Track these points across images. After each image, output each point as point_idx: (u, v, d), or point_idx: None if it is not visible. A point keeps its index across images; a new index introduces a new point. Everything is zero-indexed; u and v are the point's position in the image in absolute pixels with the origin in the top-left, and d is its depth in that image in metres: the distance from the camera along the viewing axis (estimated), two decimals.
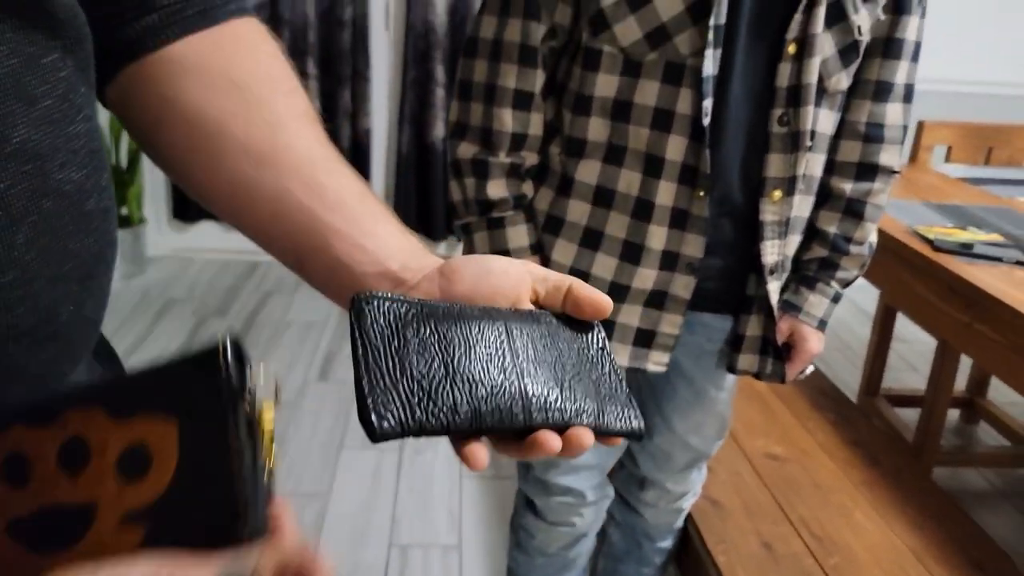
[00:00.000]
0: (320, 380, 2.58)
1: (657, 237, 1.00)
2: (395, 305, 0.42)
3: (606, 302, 0.46)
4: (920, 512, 1.42)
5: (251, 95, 0.50)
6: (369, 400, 0.38)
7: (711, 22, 0.90)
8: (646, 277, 1.02)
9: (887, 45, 1.02)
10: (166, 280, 3.24)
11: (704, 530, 1.36)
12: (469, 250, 1.07)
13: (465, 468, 2.14)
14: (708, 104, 0.93)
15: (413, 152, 3.33)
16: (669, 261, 1.01)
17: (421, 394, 0.39)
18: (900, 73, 1.03)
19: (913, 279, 1.65)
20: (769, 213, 1.01)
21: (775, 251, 1.03)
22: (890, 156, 1.08)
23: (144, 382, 0.34)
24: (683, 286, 1.02)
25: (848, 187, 1.08)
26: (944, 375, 2.04)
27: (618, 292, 1.02)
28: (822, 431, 1.63)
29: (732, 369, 1.11)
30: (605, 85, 0.97)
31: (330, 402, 2.45)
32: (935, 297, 1.59)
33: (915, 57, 1.05)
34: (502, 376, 0.41)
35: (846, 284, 1.13)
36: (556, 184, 1.04)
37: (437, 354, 0.41)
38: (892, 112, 1.05)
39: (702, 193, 0.97)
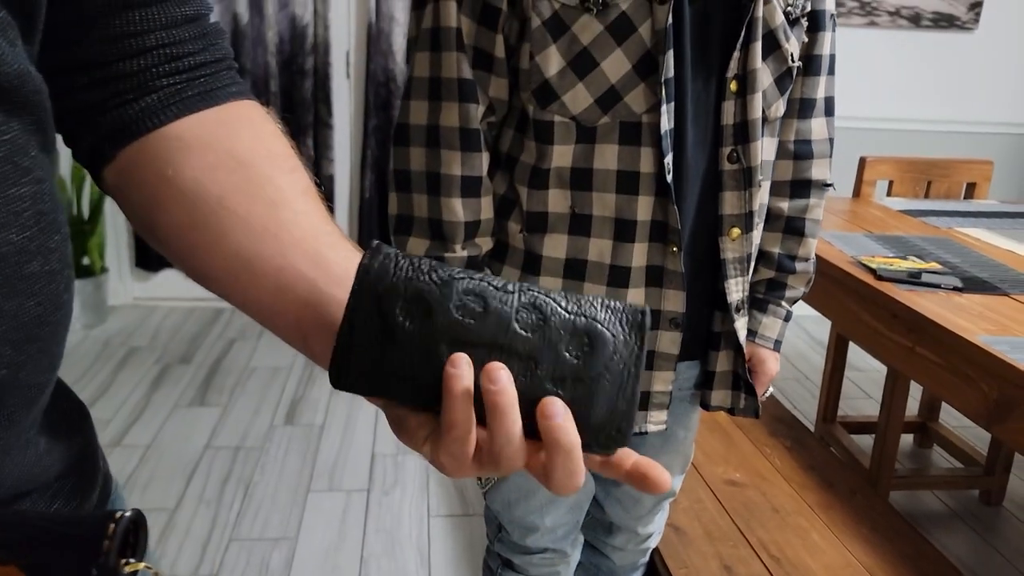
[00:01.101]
0: (286, 424, 2.58)
1: (635, 299, 0.98)
2: (410, 265, 0.42)
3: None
4: (874, 532, 1.47)
5: (254, 172, 0.49)
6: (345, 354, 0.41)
7: (661, 77, 0.89)
8: None
9: (806, 63, 1.04)
10: (128, 328, 3.22)
11: (667, 556, 1.39)
12: None
13: (434, 506, 2.16)
14: (670, 160, 0.92)
15: (375, 197, 3.38)
16: (652, 321, 1.01)
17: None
18: (820, 88, 1.06)
19: (858, 307, 1.72)
20: (730, 251, 1.01)
21: (739, 288, 1.03)
22: (821, 170, 1.10)
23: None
24: (670, 342, 1.01)
25: (785, 205, 1.10)
26: (895, 401, 2.11)
27: None
28: (779, 456, 1.69)
29: (706, 406, 1.12)
30: (561, 155, 0.94)
31: (296, 446, 2.45)
32: (880, 324, 1.66)
33: (831, 70, 1.07)
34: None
35: (794, 302, 1.16)
36: (521, 263, 1.01)
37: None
38: (817, 127, 1.08)
39: (675, 248, 0.96)
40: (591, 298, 0.43)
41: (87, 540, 0.36)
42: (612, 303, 0.43)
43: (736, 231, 1.00)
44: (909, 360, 1.59)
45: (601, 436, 0.41)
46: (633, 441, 1.16)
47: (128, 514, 0.37)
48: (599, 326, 0.41)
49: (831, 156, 1.11)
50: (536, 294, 0.42)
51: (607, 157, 0.93)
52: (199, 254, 0.50)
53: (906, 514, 2.27)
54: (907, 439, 2.63)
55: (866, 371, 3.18)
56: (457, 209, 0.96)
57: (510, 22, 0.91)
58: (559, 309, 0.41)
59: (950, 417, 2.79)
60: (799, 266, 1.12)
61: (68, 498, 0.53)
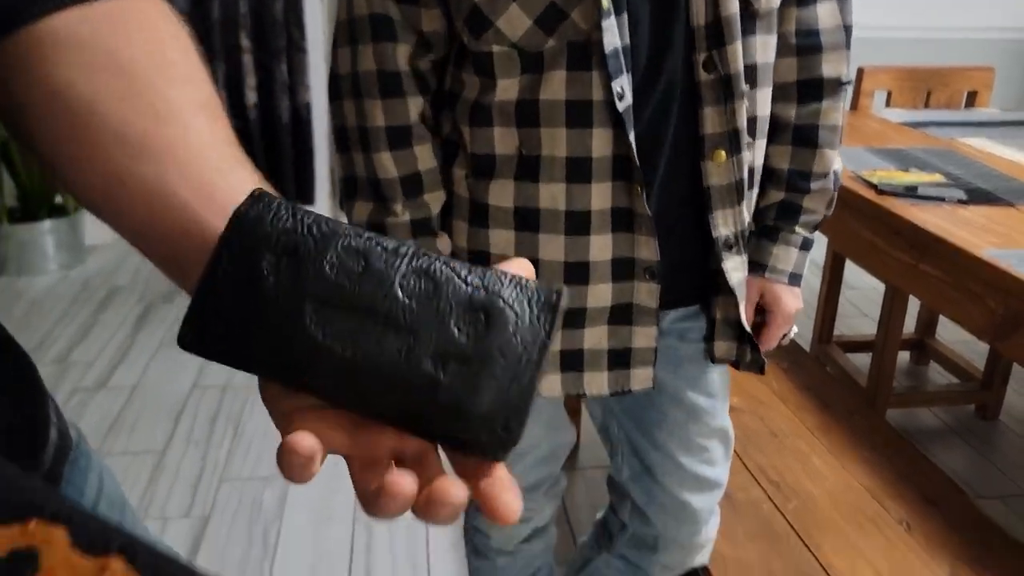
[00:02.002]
0: None
1: (601, 247, 0.87)
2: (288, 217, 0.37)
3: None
4: (874, 452, 1.44)
5: (137, 79, 0.42)
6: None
7: None
8: (601, 293, 0.89)
9: None
10: (108, 269, 3.14)
11: None
12: None
13: None
14: (621, 84, 0.79)
15: None
16: (623, 270, 0.88)
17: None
18: None
19: (859, 224, 1.66)
20: (714, 178, 0.87)
21: (728, 222, 0.89)
22: (833, 65, 0.93)
23: None
24: (647, 294, 0.89)
25: (792, 112, 0.95)
26: (893, 319, 2.07)
27: (574, 318, 0.89)
28: (776, 379, 1.65)
29: (712, 359, 0.99)
30: (505, 89, 0.82)
31: None
32: (881, 241, 1.60)
33: None
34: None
35: (814, 227, 1.01)
36: (467, 213, 0.90)
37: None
38: (825, 13, 0.91)
39: (640, 188, 0.84)
40: (501, 273, 0.36)
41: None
42: (524, 281, 0.36)
43: (720, 154, 0.86)
44: (912, 277, 1.54)
45: (483, 432, 0.35)
46: (650, 417, 1.03)
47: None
48: (500, 302, 0.35)
49: (848, 46, 0.93)
50: (432, 260, 0.36)
51: (554, 86, 0.81)
52: (72, 169, 0.43)
53: (903, 431, 2.26)
54: (903, 356, 2.61)
55: (862, 289, 3.14)
56: (387, 165, 0.86)
57: None
58: (455, 279, 0.36)
59: (947, 333, 2.77)
60: (814, 184, 0.97)
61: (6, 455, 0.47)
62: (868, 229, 1.64)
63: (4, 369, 0.50)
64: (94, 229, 3.29)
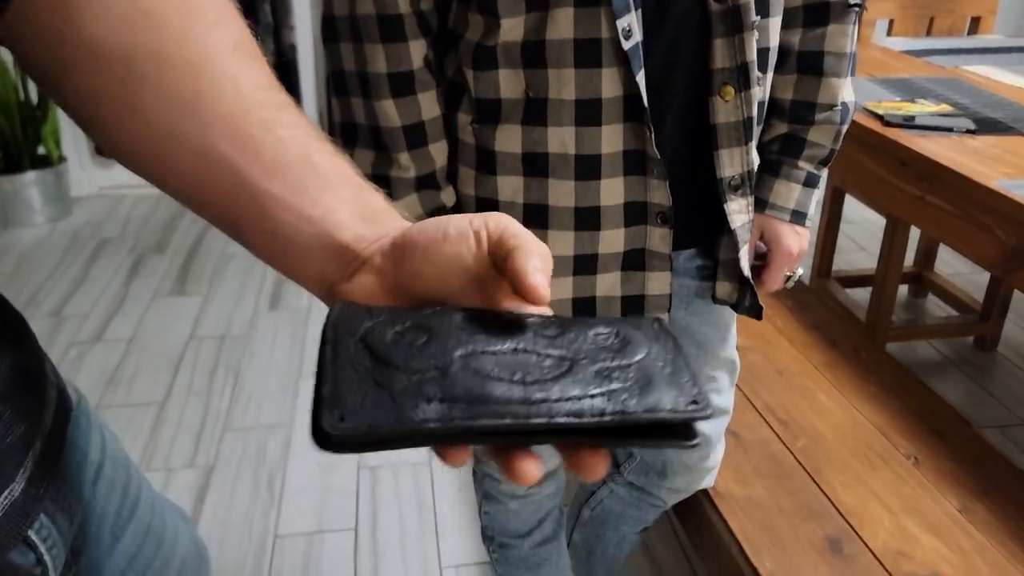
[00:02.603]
0: (271, 309, 2.51)
1: (613, 191, 0.84)
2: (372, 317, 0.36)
3: (541, 294, 0.36)
4: (880, 388, 1.44)
5: (166, 27, 0.40)
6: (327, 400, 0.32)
7: None
8: (613, 239, 0.86)
9: None
10: (96, 220, 3.09)
11: None
12: None
13: None
14: (628, 21, 0.76)
15: None
16: (636, 215, 0.85)
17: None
18: None
19: (864, 156, 1.63)
20: (721, 115, 0.83)
21: (735, 162, 0.86)
22: None
23: None
24: (660, 239, 0.86)
25: (796, 38, 0.91)
26: (894, 252, 2.05)
27: (586, 264, 0.87)
28: (780, 317, 1.64)
29: (713, 299, 0.98)
30: (510, 29, 0.78)
31: (283, 331, 2.39)
32: (887, 173, 1.57)
33: None
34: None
35: (821, 162, 0.97)
36: (474, 160, 0.87)
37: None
38: None
39: (649, 130, 0.80)
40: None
41: None
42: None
43: (729, 90, 0.82)
44: (918, 209, 1.51)
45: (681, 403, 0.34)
46: None
47: None
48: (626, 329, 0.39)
49: None
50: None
51: (562, 25, 0.77)
52: (110, 129, 0.40)
53: (903, 365, 2.26)
54: (902, 290, 2.60)
55: (859, 223, 3.12)
56: (390, 113, 0.82)
57: None
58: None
59: (945, 266, 2.76)
60: (819, 115, 0.93)
61: (10, 424, 0.45)
62: (874, 161, 1.61)
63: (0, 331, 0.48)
64: (80, 179, 3.23)
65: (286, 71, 3.18)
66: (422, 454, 1.90)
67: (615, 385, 0.34)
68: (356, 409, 0.31)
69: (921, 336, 2.33)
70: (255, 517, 1.71)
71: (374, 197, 0.42)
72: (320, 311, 2.47)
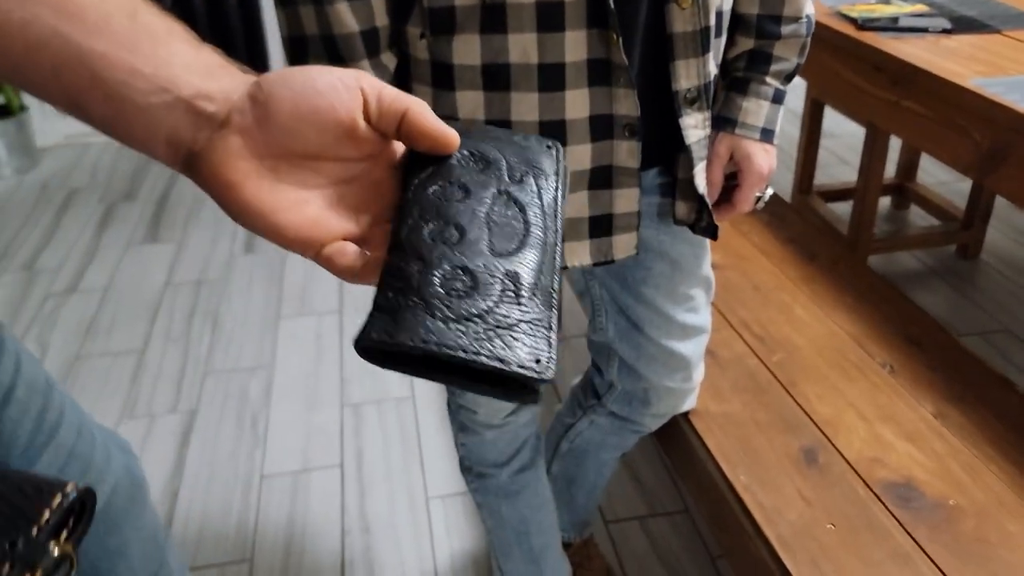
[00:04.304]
0: (246, 253, 2.47)
1: (578, 104, 0.80)
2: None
3: (450, 136, 0.40)
4: (857, 299, 1.42)
5: None
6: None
7: None
8: (580, 155, 0.83)
9: None
10: (64, 170, 3.02)
11: None
12: None
13: None
14: None
15: None
16: (602, 128, 0.82)
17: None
18: None
19: (839, 64, 1.59)
20: (678, 23, 0.80)
21: (692, 73, 0.83)
22: None
23: None
24: (628, 153, 0.84)
25: None
26: (873, 163, 2.02)
27: None
28: (757, 233, 1.61)
29: (674, 219, 0.95)
30: None
31: (259, 274, 2.36)
32: (862, 79, 1.53)
33: None
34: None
35: (786, 77, 0.95)
36: (429, 76, 0.82)
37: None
38: None
39: (616, 35, 0.77)
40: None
41: (22, 506, 0.33)
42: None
43: None
44: (894, 115, 1.48)
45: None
46: (635, 275, 0.99)
47: (75, 493, 0.35)
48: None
49: None
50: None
51: None
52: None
53: (886, 277, 2.25)
54: (884, 202, 2.58)
55: (841, 136, 3.08)
56: (346, 18, 0.77)
57: None
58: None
59: (927, 176, 2.73)
60: (785, 29, 0.91)
61: None
62: (848, 68, 1.56)
63: None
64: (44, 129, 3.14)
65: (251, 23, 3.07)
66: (405, 390, 1.90)
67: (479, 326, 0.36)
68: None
69: (903, 247, 2.32)
70: (240, 458, 1.72)
71: (210, 53, 0.40)
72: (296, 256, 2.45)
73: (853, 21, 1.55)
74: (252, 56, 3.17)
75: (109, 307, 2.21)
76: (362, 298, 2.25)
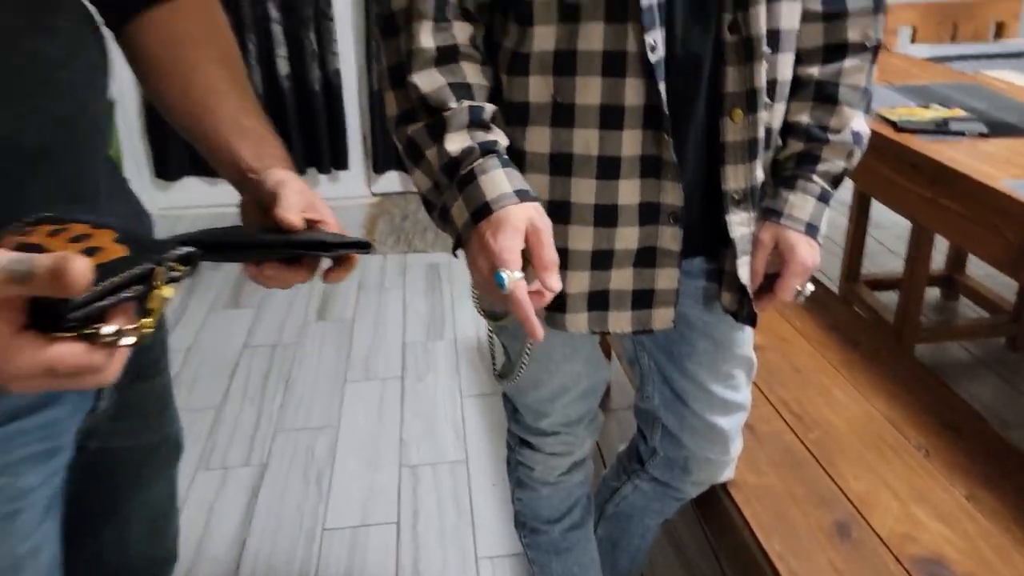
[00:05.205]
0: (319, 320, 2.64)
1: (630, 192, 0.91)
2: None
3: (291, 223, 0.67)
4: (896, 384, 1.49)
5: (197, 68, 0.75)
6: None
7: None
8: (628, 236, 0.94)
9: None
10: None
11: None
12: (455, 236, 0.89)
13: (465, 387, 2.23)
14: (654, 37, 0.84)
15: None
16: (649, 214, 0.92)
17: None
18: None
19: (878, 162, 1.69)
20: (730, 134, 0.91)
21: (740, 176, 0.93)
22: (859, 29, 0.96)
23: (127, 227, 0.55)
24: (671, 238, 0.94)
25: (815, 71, 0.98)
26: (920, 253, 2.10)
27: (603, 259, 0.95)
28: (800, 319, 1.70)
29: (722, 308, 1.04)
30: (543, 38, 0.86)
31: (330, 339, 2.52)
32: (900, 177, 1.63)
33: None
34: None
35: (834, 180, 1.01)
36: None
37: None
38: None
39: (667, 136, 0.87)
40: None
41: (161, 241, 0.55)
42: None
43: (738, 112, 0.90)
44: (931, 212, 1.57)
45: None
46: (680, 349, 1.11)
47: (187, 250, 0.54)
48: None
49: (879, 10, 0.96)
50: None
51: (592, 37, 0.85)
52: (169, 109, 0.76)
53: (931, 366, 2.29)
54: (933, 293, 2.63)
55: (889, 228, 3.14)
56: (436, 79, 0.87)
57: None
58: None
59: (977, 268, 2.78)
60: (832, 136, 0.99)
61: None
62: (887, 166, 1.67)
63: None
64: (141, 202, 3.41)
65: (331, 95, 3.33)
66: (460, 453, 2.01)
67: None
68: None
69: (950, 337, 2.36)
70: (305, 512, 1.83)
71: (272, 147, 0.74)
72: (361, 321, 2.60)
73: (892, 124, 1.66)
74: (333, 148, 3.42)
75: (192, 365, 2.39)
76: (424, 366, 2.38)
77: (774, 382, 1.49)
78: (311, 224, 0.68)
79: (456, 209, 0.86)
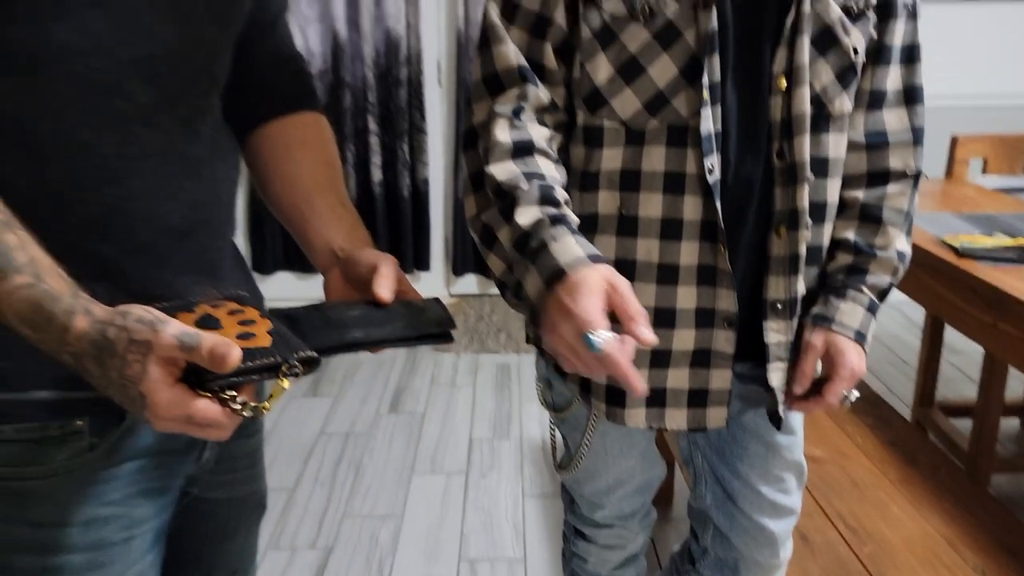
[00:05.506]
0: (391, 412, 2.75)
1: (687, 298, 0.99)
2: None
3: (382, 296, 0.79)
4: (956, 506, 1.48)
5: (301, 179, 0.90)
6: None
7: (704, 81, 0.91)
8: (685, 338, 1.01)
9: (876, 52, 1.01)
10: None
11: None
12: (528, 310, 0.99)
13: (527, 487, 2.28)
14: (712, 161, 0.93)
15: None
16: (705, 319, 0.99)
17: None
18: (891, 79, 1.02)
19: (941, 286, 1.73)
20: (775, 248, 0.99)
21: (780, 288, 1.01)
22: (900, 159, 1.04)
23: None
24: (724, 341, 1.00)
25: (860, 194, 1.05)
26: (994, 379, 2.08)
27: (661, 359, 1.01)
28: (861, 435, 1.72)
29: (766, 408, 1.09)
30: (611, 158, 0.97)
31: (400, 432, 2.62)
32: (961, 301, 1.67)
33: (910, 59, 1.03)
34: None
35: (880, 293, 1.07)
36: None
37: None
38: (892, 117, 1.03)
39: (723, 248, 0.96)
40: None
41: (297, 341, 0.66)
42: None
43: (782, 228, 0.98)
44: (991, 336, 1.60)
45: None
46: (732, 450, 1.16)
47: (311, 354, 0.65)
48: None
49: (919, 143, 1.04)
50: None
51: (655, 159, 0.95)
52: (275, 203, 0.91)
53: (1010, 497, 2.23)
54: (1013, 422, 2.57)
55: (967, 354, 3.10)
56: (512, 169, 0.94)
57: (560, 33, 0.96)
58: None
59: None
60: (879, 253, 1.04)
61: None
62: (950, 290, 1.71)
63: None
64: None
65: (419, 202, 3.56)
66: (519, 551, 2.04)
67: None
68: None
69: None
70: None
71: (362, 232, 0.88)
72: (432, 415, 2.69)
73: (953, 249, 1.71)
74: (417, 249, 3.63)
75: (271, 448, 2.52)
76: (488, 462, 2.45)
77: (831, 494, 1.51)
78: (399, 295, 0.79)
79: (530, 281, 0.88)
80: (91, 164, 0.69)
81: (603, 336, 0.78)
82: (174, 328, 0.59)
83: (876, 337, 3.28)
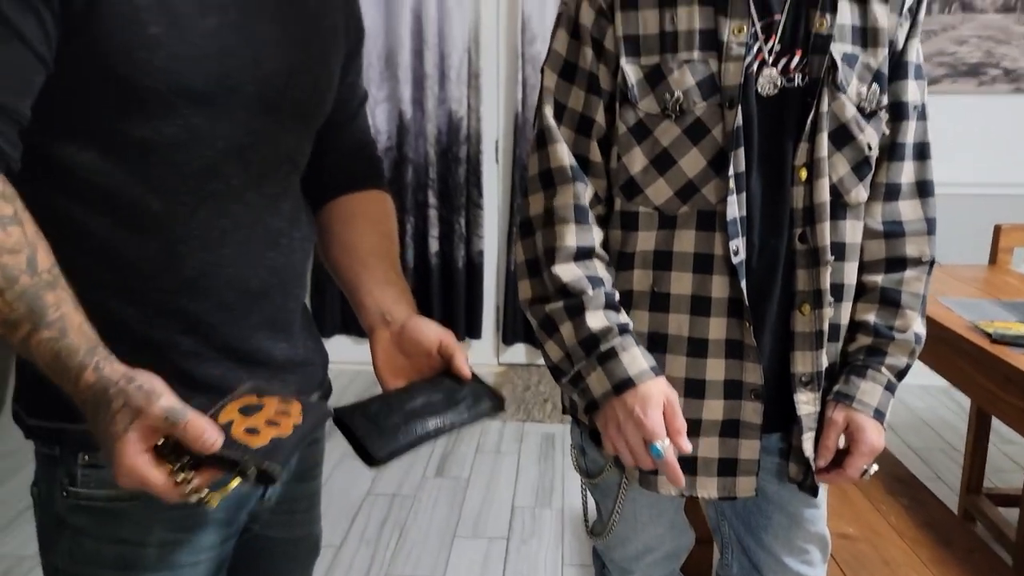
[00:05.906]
0: (437, 476, 2.83)
1: (716, 370, 1.07)
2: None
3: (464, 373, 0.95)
4: None
5: (360, 247, 1.00)
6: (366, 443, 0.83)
7: (730, 171, 1.00)
8: (715, 408, 1.08)
9: (890, 149, 1.09)
10: None
11: None
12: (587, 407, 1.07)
13: (567, 556, 2.31)
14: (737, 244, 1.02)
15: None
16: (733, 390, 1.07)
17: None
18: (906, 174, 1.10)
19: (975, 371, 1.76)
20: (799, 325, 1.07)
21: (806, 362, 1.08)
22: (916, 247, 1.11)
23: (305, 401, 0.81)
24: (752, 412, 1.07)
25: (879, 279, 1.12)
26: None
27: (692, 428, 1.05)
28: (895, 515, 1.73)
29: (788, 478, 1.14)
30: (645, 240, 1.07)
31: (444, 496, 2.69)
32: (995, 387, 1.69)
33: (920, 156, 1.11)
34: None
35: (899, 373, 1.12)
36: None
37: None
38: (907, 208, 1.11)
39: (748, 324, 1.04)
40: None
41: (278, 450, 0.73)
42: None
43: (806, 307, 1.07)
44: None
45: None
46: (757, 521, 1.23)
47: (274, 467, 0.72)
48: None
49: (932, 233, 1.12)
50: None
51: (685, 241, 1.05)
52: (334, 266, 1.02)
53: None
54: None
55: (1019, 444, 3.05)
56: (576, 271, 1.05)
57: (601, 130, 1.07)
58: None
59: None
60: (898, 335, 1.11)
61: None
62: (983, 376, 1.74)
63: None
64: None
65: (472, 273, 3.70)
66: None
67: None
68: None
69: None
70: None
71: (409, 298, 0.97)
72: (476, 481, 2.76)
73: (987, 335, 1.75)
74: (469, 319, 3.75)
75: (320, 504, 2.61)
76: (530, 529, 2.49)
77: (862, 571, 1.53)
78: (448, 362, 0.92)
79: (594, 379, 1.03)
80: (189, 235, 0.82)
81: (665, 446, 0.98)
82: (166, 401, 0.67)
83: (926, 422, 3.26)
